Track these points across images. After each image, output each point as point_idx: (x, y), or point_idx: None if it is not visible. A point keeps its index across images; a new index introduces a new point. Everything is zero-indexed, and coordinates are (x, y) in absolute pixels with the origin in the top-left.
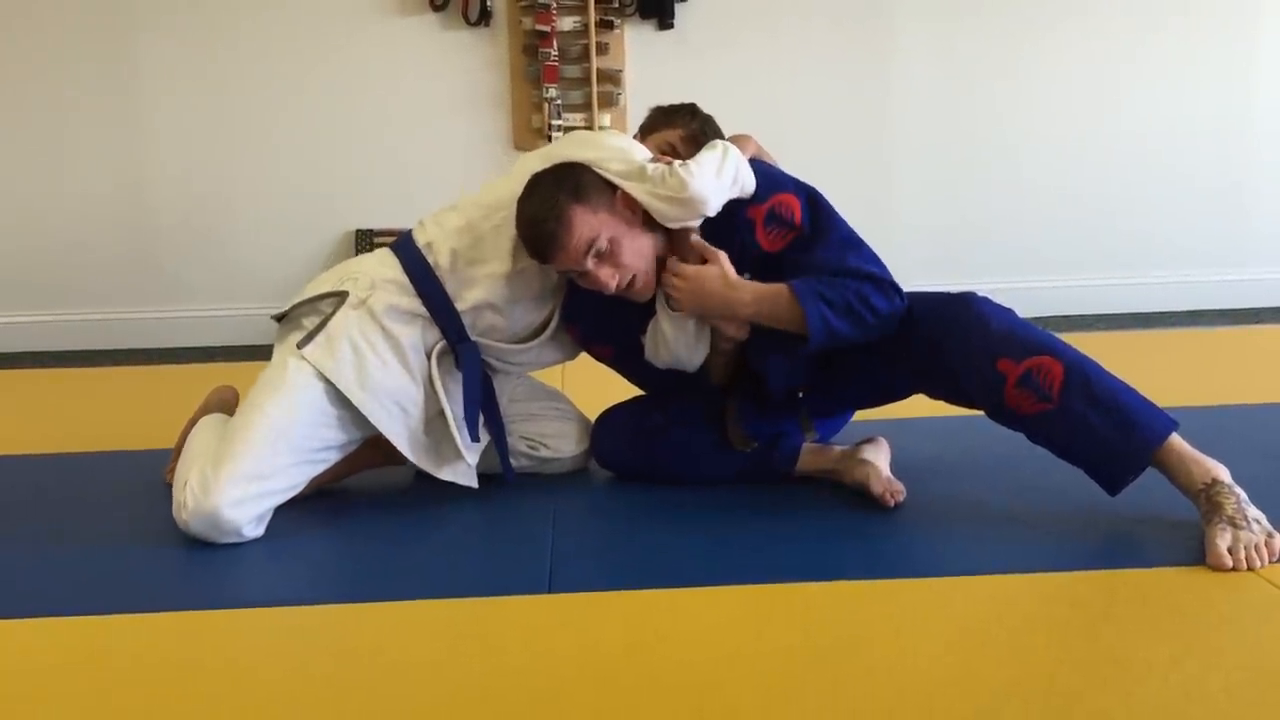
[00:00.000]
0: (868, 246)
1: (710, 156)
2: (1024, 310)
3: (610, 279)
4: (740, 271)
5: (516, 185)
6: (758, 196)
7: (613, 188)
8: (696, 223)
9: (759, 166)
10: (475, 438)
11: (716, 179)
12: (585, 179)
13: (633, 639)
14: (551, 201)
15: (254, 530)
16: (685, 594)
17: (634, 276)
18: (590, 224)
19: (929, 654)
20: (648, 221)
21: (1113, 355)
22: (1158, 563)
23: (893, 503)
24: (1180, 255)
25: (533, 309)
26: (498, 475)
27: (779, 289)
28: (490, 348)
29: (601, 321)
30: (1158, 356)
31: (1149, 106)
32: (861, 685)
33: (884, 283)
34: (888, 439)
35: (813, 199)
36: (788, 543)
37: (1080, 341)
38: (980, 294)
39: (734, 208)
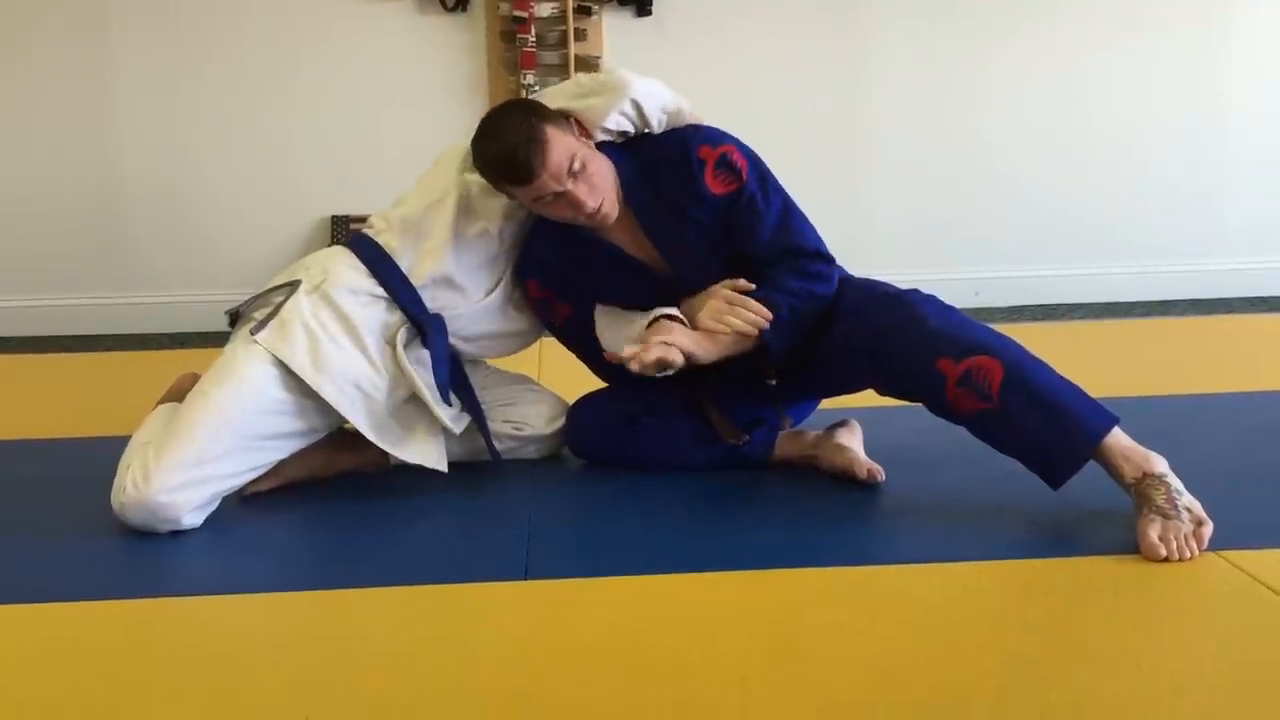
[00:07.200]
0: (799, 210)
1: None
2: (998, 300)
3: (588, 197)
4: (694, 228)
5: (449, 164)
6: (711, 139)
7: (565, 115)
8: (615, 113)
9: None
10: (448, 401)
11: (637, 74)
12: (543, 105)
13: (610, 626)
14: (525, 124)
15: (193, 519)
16: (662, 580)
17: (603, 199)
18: (566, 142)
19: (903, 640)
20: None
21: (1085, 344)
22: (1131, 550)
23: (880, 478)
24: (1152, 246)
25: (484, 277)
26: (475, 464)
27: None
28: (452, 322)
29: (560, 274)
30: (1129, 346)
31: (1121, 101)
32: (837, 671)
33: (818, 257)
34: (861, 426)
35: (755, 161)
36: (763, 529)
37: (1054, 331)
38: (923, 292)
39: (687, 146)
